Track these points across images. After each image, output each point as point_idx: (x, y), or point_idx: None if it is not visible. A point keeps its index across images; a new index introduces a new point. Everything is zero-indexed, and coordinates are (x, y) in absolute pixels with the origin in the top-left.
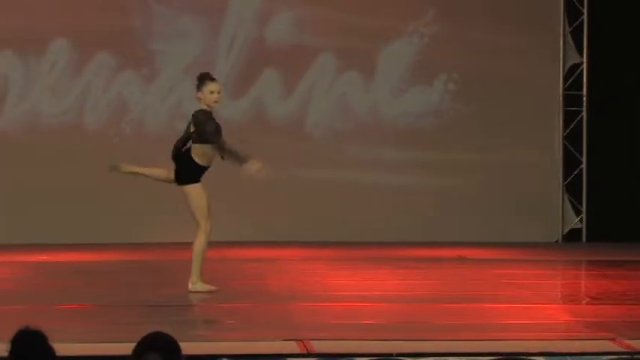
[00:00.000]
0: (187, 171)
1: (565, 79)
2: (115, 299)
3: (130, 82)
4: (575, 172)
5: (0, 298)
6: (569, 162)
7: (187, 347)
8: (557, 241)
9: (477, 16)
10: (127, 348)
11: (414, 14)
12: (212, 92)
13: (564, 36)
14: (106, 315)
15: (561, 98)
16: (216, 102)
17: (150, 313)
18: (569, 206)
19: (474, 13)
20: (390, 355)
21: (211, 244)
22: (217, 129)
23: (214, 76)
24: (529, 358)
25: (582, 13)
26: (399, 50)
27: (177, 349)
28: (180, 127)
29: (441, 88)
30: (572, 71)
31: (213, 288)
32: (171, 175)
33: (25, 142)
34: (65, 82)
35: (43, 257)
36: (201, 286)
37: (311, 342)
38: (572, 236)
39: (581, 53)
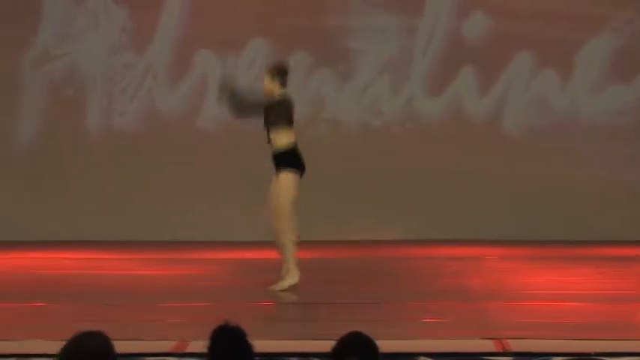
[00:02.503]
0: None
1: None
2: (311, 297)
3: (326, 80)
4: None
5: (199, 295)
6: None
7: (384, 345)
8: None
9: None
10: (325, 345)
11: (614, 10)
12: None
13: None
14: (303, 312)
15: None
16: None
17: (346, 310)
18: None
19: None
20: (589, 354)
21: (415, 242)
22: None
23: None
24: None
25: None
26: (598, 47)
27: (376, 351)
28: (376, 125)
29: None
30: None
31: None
32: None
33: (223, 140)
34: (262, 80)
35: (239, 255)
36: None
37: (508, 341)
38: None
39: None
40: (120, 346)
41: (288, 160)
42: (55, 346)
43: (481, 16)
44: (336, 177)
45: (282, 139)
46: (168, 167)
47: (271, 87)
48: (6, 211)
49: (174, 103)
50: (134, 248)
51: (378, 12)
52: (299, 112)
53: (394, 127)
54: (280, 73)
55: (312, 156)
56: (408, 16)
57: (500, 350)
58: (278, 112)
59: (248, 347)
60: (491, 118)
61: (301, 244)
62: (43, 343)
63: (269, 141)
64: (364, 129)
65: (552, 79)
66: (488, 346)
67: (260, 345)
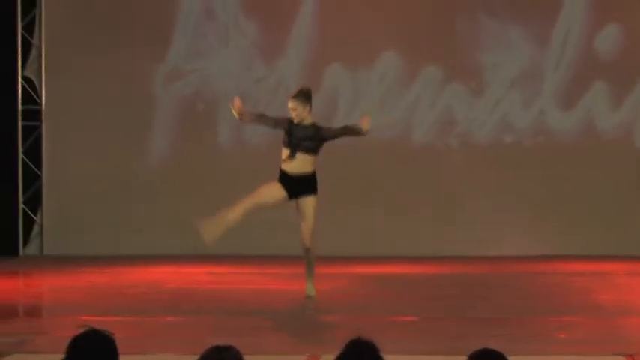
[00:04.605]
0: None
1: None
2: (441, 312)
3: (457, 95)
4: None
5: (331, 309)
6: None
7: None
8: None
9: None
10: None
11: None
12: (290, 109)
13: None
14: (433, 327)
15: None
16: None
17: (476, 325)
18: None
19: None
20: None
21: (543, 257)
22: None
23: (295, 93)
24: None
25: None
26: None
27: None
28: (508, 140)
29: None
30: None
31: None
32: None
33: (348, 152)
34: (393, 94)
35: (370, 269)
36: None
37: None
38: None
39: None
40: None
41: (316, 184)
42: None
43: (614, 28)
44: (466, 192)
45: (314, 163)
46: None
47: (305, 113)
48: (138, 225)
49: None
50: (263, 262)
51: (509, 26)
52: (430, 127)
53: (525, 141)
54: (310, 98)
55: (443, 171)
56: (540, 29)
57: None
58: (322, 139)
59: None
60: (623, 133)
61: (437, 259)
62: (175, 358)
63: (292, 158)
64: (495, 144)
65: None
66: None
67: None
